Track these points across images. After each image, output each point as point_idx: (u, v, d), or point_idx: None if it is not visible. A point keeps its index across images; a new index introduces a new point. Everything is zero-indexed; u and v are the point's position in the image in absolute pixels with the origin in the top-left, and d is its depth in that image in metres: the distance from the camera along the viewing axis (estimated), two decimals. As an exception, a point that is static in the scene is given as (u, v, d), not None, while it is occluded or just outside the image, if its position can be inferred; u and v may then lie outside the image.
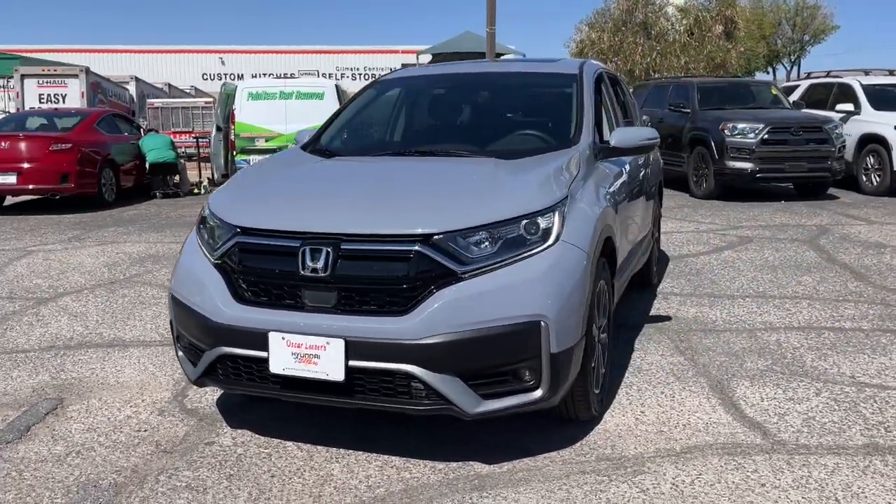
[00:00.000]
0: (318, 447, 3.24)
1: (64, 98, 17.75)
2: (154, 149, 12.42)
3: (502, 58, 16.03)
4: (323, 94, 11.62)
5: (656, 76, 18.22)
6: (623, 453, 3.14)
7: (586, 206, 3.29)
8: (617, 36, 18.79)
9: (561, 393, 3.03)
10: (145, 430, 3.44)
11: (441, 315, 2.79)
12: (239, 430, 3.42)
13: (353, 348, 2.83)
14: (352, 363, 2.84)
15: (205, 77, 52.78)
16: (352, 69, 57.13)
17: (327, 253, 2.89)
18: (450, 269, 2.84)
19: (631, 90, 16.65)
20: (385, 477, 2.97)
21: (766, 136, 10.71)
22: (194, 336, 3.18)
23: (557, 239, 3.01)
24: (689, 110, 12.04)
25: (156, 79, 31.24)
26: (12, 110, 17.91)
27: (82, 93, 17.66)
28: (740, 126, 10.87)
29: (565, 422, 3.38)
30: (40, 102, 17.66)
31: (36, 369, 4.27)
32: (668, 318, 5.08)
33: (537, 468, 3.02)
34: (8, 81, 19.36)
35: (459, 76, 4.74)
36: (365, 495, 2.84)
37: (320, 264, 2.89)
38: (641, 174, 4.77)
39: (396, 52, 48.56)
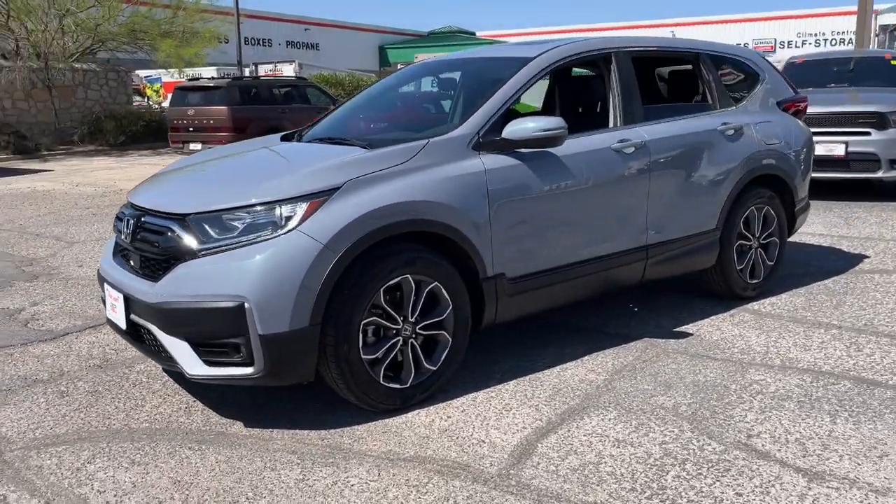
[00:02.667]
0: (177, 386, 3.89)
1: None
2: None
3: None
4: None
5: None
6: (354, 448, 3.14)
7: (368, 198, 3.26)
8: None
9: (288, 375, 3.20)
10: (116, 352, 4.47)
11: (173, 285, 3.21)
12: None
13: (129, 304, 3.43)
14: (131, 317, 3.45)
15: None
16: (815, 34, 52.21)
17: (133, 223, 3.52)
18: (190, 246, 3.23)
19: None
20: (163, 417, 3.50)
21: None
22: (102, 281, 4.10)
23: (295, 228, 3.15)
24: None
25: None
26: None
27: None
28: None
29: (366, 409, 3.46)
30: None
31: (143, 298, 5.65)
32: (685, 336, 4.38)
33: (261, 438, 3.24)
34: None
35: (439, 64, 4.73)
36: (123, 424, 3.41)
37: (128, 231, 3.54)
38: (635, 168, 4.18)
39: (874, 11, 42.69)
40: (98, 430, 3.39)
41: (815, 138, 8.78)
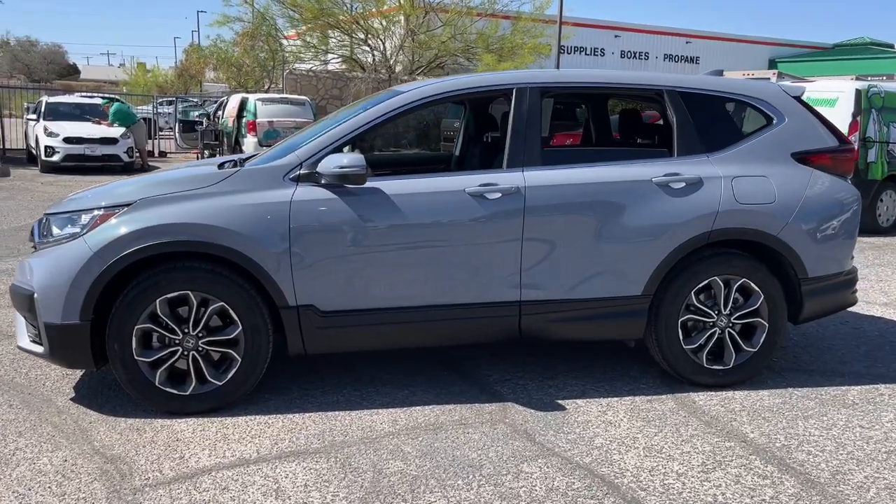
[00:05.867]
0: (94, 357, 4.61)
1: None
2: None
3: None
4: (835, 101, 9.55)
5: None
6: (96, 437, 3.51)
7: (149, 216, 3.57)
8: None
9: (68, 360, 3.72)
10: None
11: (18, 270, 3.90)
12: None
13: (24, 279, 4.24)
14: (25, 295, 4.25)
15: None
16: None
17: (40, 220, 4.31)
18: (37, 240, 3.90)
19: None
20: (41, 379, 4.22)
21: None
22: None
23: (81, 235, 3.62)
24: None
25: None
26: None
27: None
28: None
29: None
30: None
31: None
32: (553, 409, 3.87)
33: (59, 411, 3.77)
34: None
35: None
36: (11, 376, 4.21)
37: (41, 225, 4.35)
38: (492, 216, 3.80)
39: None
40: (-10, 377, 4.26)
41: None
